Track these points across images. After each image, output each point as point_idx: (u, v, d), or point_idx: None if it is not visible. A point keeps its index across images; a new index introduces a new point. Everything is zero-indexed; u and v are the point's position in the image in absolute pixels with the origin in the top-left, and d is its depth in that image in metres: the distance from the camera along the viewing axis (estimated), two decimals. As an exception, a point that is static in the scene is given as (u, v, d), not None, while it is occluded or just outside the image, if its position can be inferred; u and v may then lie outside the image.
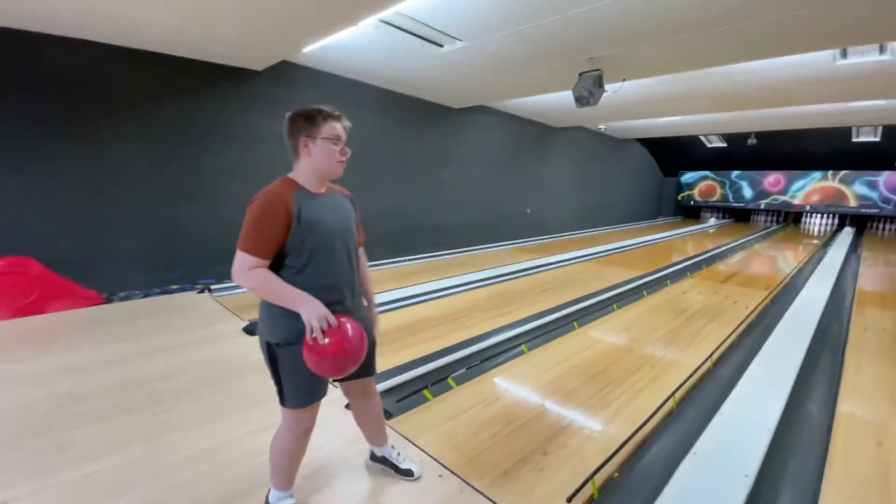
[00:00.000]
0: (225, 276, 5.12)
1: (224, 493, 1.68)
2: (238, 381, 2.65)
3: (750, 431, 2.18)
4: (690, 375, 2.86)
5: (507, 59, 4.98)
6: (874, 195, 12.73)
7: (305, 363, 1.31)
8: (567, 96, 5.49)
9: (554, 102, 7.61)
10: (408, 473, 1.80)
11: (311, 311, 1.29)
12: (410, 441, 2.06)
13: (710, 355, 3.20)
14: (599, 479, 1.82)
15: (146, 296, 4.49)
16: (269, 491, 1.56)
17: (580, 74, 5.09)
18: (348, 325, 1.33)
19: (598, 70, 4.96)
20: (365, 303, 1.67)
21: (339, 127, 1.42)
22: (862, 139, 11.19)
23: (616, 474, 1.89)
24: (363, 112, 6.29)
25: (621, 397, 2.58)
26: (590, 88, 4.96)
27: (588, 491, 1.75)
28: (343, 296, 1.46)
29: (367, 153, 6.53)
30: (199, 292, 4.64)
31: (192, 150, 4.93)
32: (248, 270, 1.30)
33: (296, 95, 5.55)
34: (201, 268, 5.08)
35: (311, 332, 1.27)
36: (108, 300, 4.27)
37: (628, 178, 14.26)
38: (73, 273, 4.16)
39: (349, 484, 1.77)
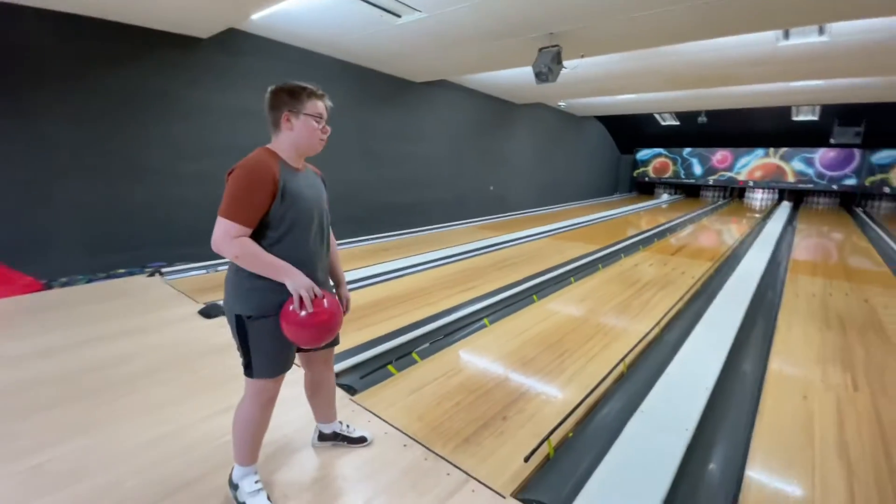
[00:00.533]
0: (176, 258, 4.90)
1: (186, 476, 1.67)
2: (196, 365, 2.59)
3: (691, 390, 2.37)
4: (640, 341, 3.06)
5: (467, 31, 4.92)
6: (810, 171, 13.69)
7: (280, 333, 1.37)
8: (527, 72, 5.51)
9: (515, 78, 7.62)
10: (361, 441, 1.87)
11: (299, 281, 1.34)
12: (375, 414, 2.11)
13: (658, 322, 3.43)
14: (555, 439, 1.95)
15: (90, 281, 4.24)
16: (233, 469, 1.57)
17: (540, 50, 5.11)
18: (327, 299, 1.41)
19: (556, 46, 4.99)
20: (332, 283, 1.69)
21: (321, 105, 1.44)
22: (801, 118, 11.93)
23: (570, 434, 2.03)
24: (319, 85, 6.07)
25: (576, 364, 2.74)
26: (549, 64, 5.00)
27: (544, 450, 1.87)
28: (314, 271, 1.48)
29: (325, 129, 6.34)
30: (149, 276, 4.43)
31: (134, 124, 4.61)
32: (232, 238, 1.30)
33: (244, 66, 5.27)
34: (151, 249, 4.83)
35: (299, 301, 1.33)
36: (48, 286, 4.01)
37: (587, 155, 14.61)
38: (6, 258, 3.86)
39: (314, 460, 1.80)
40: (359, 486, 1.65)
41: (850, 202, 13.41)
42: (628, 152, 16.95)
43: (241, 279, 1.38)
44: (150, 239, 4.82)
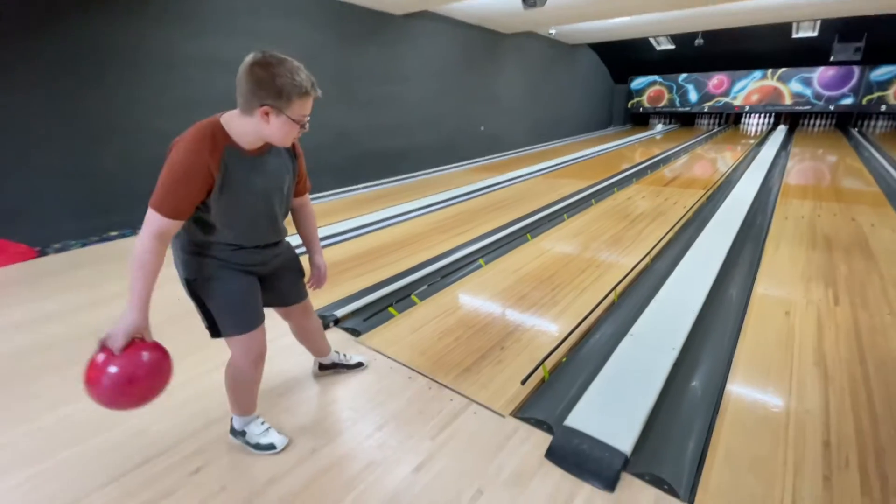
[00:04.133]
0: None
1: (208, 416, 1.79)
2: (198, 319, 2.67)
3: (679, 313, 2.49)
4: (630, 271, 3.16)
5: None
6: (808, 92, 13.35)
7: (232, 288, 1.37)
8: (513, -2, 5.20)
9: (501, 5, 7.19)
10: (359, 366, 2.04)
11: (127, 323, 1.21)
12: (380, 352, 2.22)
13: (649, 252, 3.52)
14: (549, 363, 2.08)
15: (84, 245, 4.25)
16: (232, 419, 1.63)
17: (525, -28, 4.79)
18: (148, 352, 1.25)
19: (543, -34, 4.68)
20: (307, 250, 1.71)
21: (309, 105, 1.25)
22: (801, 35, 11.46)
23: (564, 359, 2.16)
24: (292, 23, 5.72)
25: (569, 296, 2.85)
26: (536, -12, 4.71)
27: (539, 374, 2.01)
28: (267, 260, 1.48)
29: (303, 73, 6.06)
30: (142, 237, 4.42)
31: (103, 80, 4.39)
32: (152, 237, 1.19)
33: (211, 6, 4.94)
34: (140, 212, 4.76)
35: (107, 339, 1.20)
36: (42, 253, 4.02)
37: (580, 87, 14.11)
38: (-8, 227, 3.84)
39: (322, 396, 1.93)
40: (369, 416, 1.79)
41: (847, 123, 13.23)
42: (622, 81, 16.36)
43: (177, 250, 1.38)
44: (136, 200, 4.72)
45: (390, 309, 2.70)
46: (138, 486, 1.48)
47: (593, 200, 5.43)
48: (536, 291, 2.92)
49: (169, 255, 1.31)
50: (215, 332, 1.46)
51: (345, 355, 2.06)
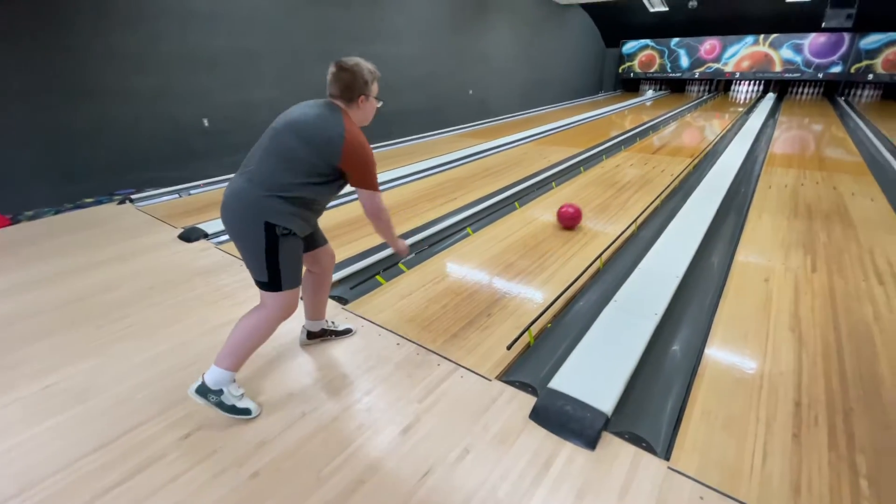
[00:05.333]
0: (145, 183, 4.73)
1: (181, 391, 1.78)
2: (185, 286, 2.65)
3: (662, 280, 2.54)
4: (615, 239, 3.19)
5: None
6: (798, 59, 13.28)
7: (300, 251, 1.62)
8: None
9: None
10: (347, 332, 2.10)
11: (400, 248, 1.83)
12: (368, 320, 2.24)
13: (635, 220, 3.54)
14: (535, 329, 2.11)
15: (58, 212, 4.11)
16: (204, 378, 1.57)
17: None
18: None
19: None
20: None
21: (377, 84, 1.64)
22: (795, -1, 11.29)
23: (549, 324, 2.20)
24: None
25: (555, 264, 2.87)
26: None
27: (525, 340, 2.04)
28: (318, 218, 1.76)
29: (284, 31, 5.78)
30: (119, 203, 4.30)
31: (66, 34, 4.13)
32: (383, 205, 1.66)
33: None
34: (115, 177, 4.63)
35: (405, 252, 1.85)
36: (15, 221, 3.88)
37: (571, 50, 13.78)
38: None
39: (312, 362, 1.95)
40: (359, 381, 1.81)
41: (834, 91, 13.26)
42: (614, 45, 16.02)
43: (286, 204, 1.48)
44: (110, 164, 4.59)
45: (378, 277, 2.70)
46: (127, 451, 1.49)
47: (582, 168, 5.41)
48: (524, 260, 2.94)
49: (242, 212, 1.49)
50: (273, 285, 1.54)
51: (332, 322, 2.07)
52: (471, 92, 9.63)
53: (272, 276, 1.52)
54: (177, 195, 4.47)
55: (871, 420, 1.58)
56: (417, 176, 5.16)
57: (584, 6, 13.46)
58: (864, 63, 12.40)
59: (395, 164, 5.70)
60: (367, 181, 1.58)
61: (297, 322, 2.05)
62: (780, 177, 4.90)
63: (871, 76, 12.41)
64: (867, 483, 1.35)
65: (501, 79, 10.60)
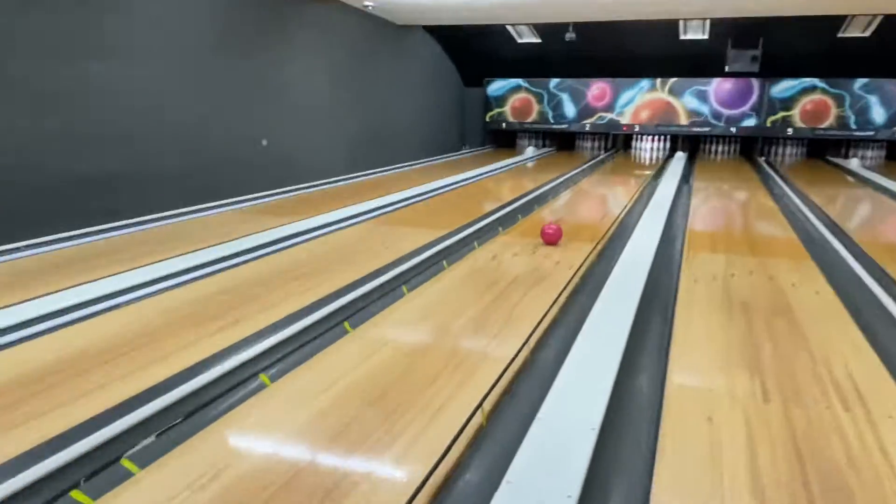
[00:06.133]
0: None
1: None
2: None
3: (572, 436, 2.65)
4: (503, 372, 3.33)
5: None
6: (705, 109, 16.89)
7: None
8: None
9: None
10: None
11: None
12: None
13: (527, 340, 3.78)
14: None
15: None
16: None
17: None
18: None
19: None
20: None
21: None
22: (690, 36, 14.61)
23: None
24: None
25: (415, 422, 2.82)
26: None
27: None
28: None
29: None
30: None
31: None
32: None
33: None
34: None
35: None
36: None
37: (418, 89, 15.32)
38: None
39: None
40: None
41: (752, 149, 17.00)
42: (476, 84, 18.34)
43: None
44: None
45: (74, 494, 2.30)
46: None
47: (445, 262, 5.72)
48: (364, 420, 2.84)
49: None
50: None
51: None
52: (264, 143, 9.82)
53: None
54: None
55: None
56: (166, 284, 4.89)
57: (429, 29, 15.31)
58: (781, 115, 16.30)
59: (125, 264, 5.31)
60: None
61: None
62: (705, 265, 5.83)
63: (790, 130, 16.29)
64: None
65: (317, 126, 11.13)
